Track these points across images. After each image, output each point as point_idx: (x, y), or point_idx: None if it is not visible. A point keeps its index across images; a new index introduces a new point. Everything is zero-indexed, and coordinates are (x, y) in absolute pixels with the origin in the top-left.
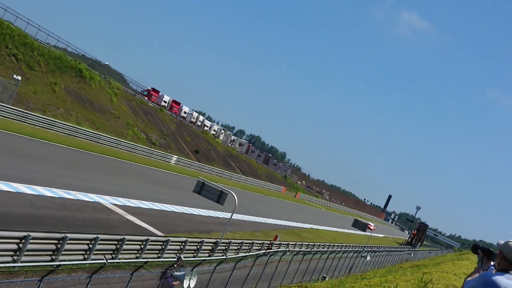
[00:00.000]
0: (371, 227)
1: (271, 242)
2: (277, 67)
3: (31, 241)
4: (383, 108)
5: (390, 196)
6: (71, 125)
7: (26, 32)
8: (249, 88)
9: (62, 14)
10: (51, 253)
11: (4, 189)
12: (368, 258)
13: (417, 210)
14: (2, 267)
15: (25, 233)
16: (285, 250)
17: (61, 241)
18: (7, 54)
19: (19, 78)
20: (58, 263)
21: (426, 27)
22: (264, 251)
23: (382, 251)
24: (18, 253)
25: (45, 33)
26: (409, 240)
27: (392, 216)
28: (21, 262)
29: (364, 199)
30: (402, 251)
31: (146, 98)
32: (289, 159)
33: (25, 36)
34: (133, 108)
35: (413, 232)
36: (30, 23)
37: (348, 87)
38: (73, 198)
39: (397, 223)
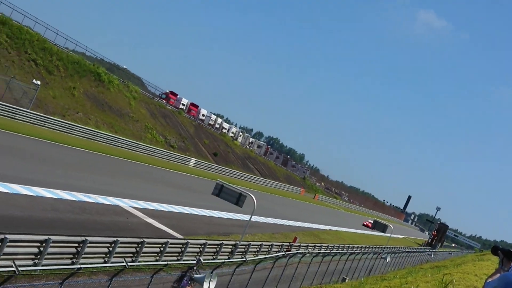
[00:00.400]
0: (369, 224)
1: (290, 243)
2: (294, 69)
3: (51, 244)
4: (402, 108)
5: (409, 197)
6: (90, 128)
7: (45, 37)
8: (266, 90)
9: (80, 19)
10: (71, 256)
11: (26, 193)
12: (388, 259)
13: (437, 210)
14: (23, 270)
15: (46, 237)
16: (305, 252)
17: (81, 244)
18: (27, 59)
19: (39, 82)
20: (78, 266)
21: (444, 26)
22: (283, 253)
23: (402, 252)
24: (39, 256)
25: (63, 37)
26: (429, 241)
27: (412, 217)
28: (42, 265)
29: (384, 200)
30: (422, 252)
31: (164, 101)
32: (307, 161)
33: (44, 41)
34: (152, 111)
35: (433, 233)
36: (49, 28)
37: (365, 87)
38: (93, 201)
39: (416, 224)
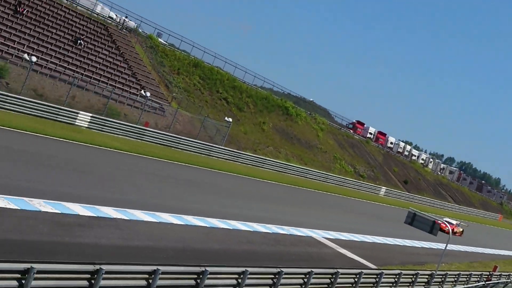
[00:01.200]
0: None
1: (490, 273)
2: (485, 89)
3: (249, 276)
4: None
5: None
6: (280, 162)
7: (235, 76)
8: (455, 114)
9: (266, 55)
10: (268, 287)
11: (222, 227)
12: None
13: None
14: None
15: (243, 269)
16: (507, 282)
17: (277, 276)
18: (218, 98)
19: (230, 120)
20: None
21: None
22: (483, 282)
23: None
24: (237, 287)
25: (252, 75)
26: None
27: None
28: None
29: None
30: None
31: (351, 131)
32: (504, 185)
33: (234, 79)
34: (339, 142)
35: None
36: (238, 67)
37: None
38: (286, 233)
39: None
